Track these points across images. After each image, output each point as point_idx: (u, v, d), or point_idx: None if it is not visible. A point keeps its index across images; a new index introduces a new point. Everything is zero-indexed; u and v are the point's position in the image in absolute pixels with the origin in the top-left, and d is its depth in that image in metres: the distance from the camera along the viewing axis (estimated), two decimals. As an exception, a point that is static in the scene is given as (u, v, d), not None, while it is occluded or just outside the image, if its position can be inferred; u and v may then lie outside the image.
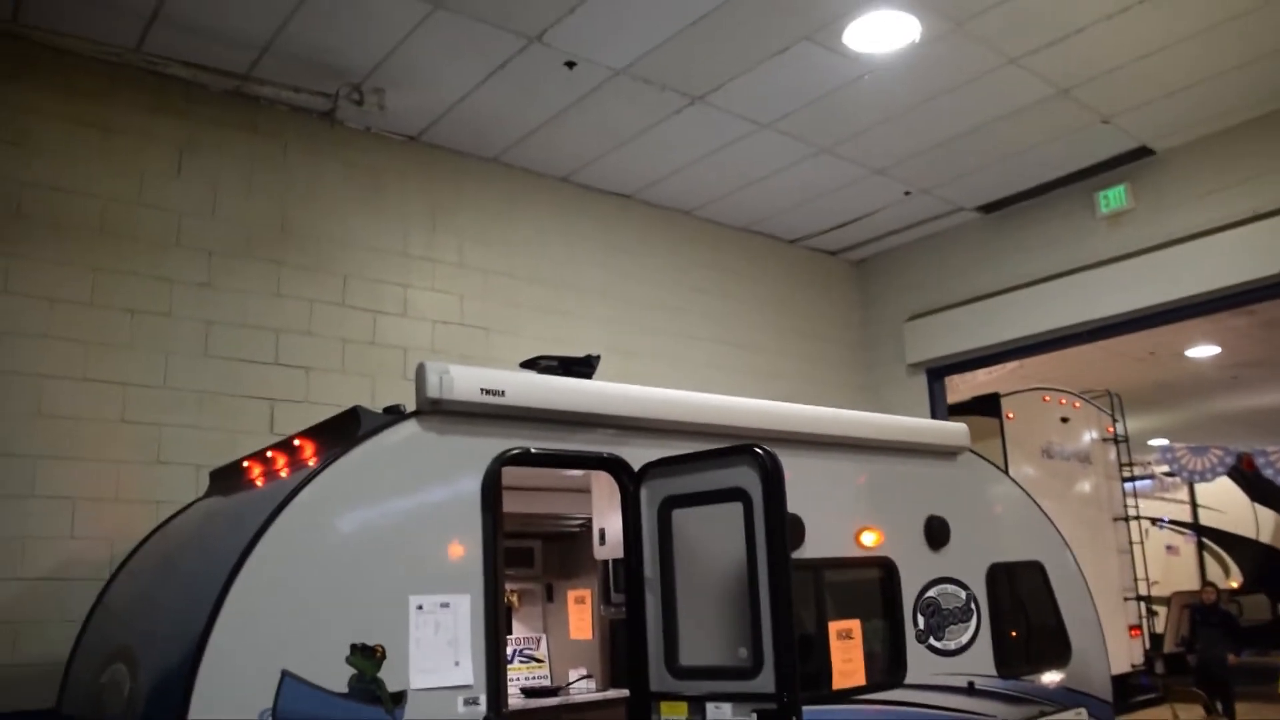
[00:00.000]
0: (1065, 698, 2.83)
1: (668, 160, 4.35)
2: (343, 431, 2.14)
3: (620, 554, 2.38)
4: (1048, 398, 5.29)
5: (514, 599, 3.69)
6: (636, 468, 2.37)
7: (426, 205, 4.11)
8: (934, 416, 5.04)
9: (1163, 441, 7.30)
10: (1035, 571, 2.99)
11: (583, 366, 2.52)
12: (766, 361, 5.17)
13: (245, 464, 2.35)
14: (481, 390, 2.13)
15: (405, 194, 4.07)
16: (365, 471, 1.98)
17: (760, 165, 4.41)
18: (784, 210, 4.95)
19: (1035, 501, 3.17)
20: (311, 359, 3.64)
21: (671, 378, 4.70)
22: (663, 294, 4.86)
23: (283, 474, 2.07)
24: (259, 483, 2.14)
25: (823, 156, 4.36)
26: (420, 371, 2.10)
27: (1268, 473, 5.90)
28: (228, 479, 2.40)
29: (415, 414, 2.11)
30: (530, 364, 2.51)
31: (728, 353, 5.02)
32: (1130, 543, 5.25)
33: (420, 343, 3.92)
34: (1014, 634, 2.79)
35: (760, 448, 2.09)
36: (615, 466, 2.38)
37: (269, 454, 2.28)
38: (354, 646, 1.70)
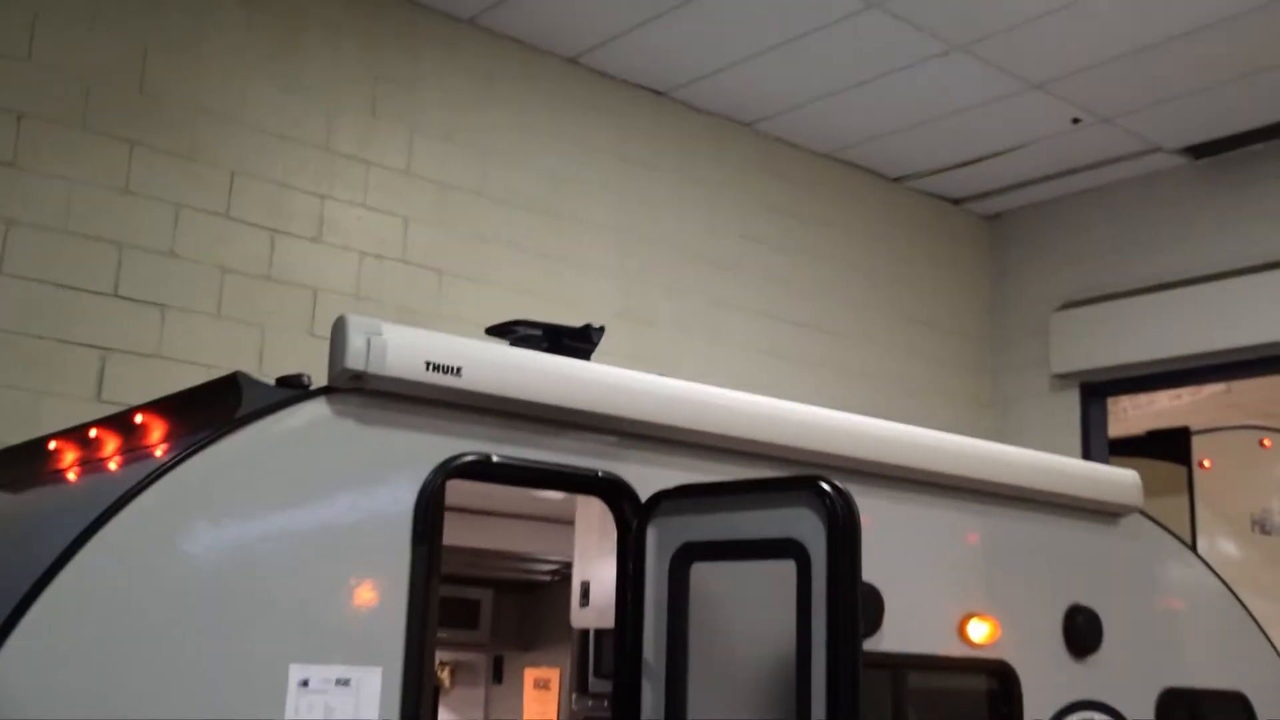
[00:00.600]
0: None
1: (723, 45, 4.20)
2: (212, 408, 2.13)
3: (610, 621, 2.32)
4: (1269, 442, 4.85)
5: (445, 676, 3.63)
6: (644, 495, 2.32)
7: (364, 77, 4.12)
8: (1087, 454, 4.91)
9: None
10: (1235, 707, 2.93)
11: (578, 341, 2.50)
12: (845, 352, 5.19)
13: (53, 445, 2.27)
14: (427, 365, 2.09)
15: (335, 57, 4.07)
16: (242, 471, 1.92)
17: (859, 63, 4.23)
18: (888, 133, 4.78)
19: (1239, 599, 3.08)
20: (171, 294, 3.59)
21: (704, 365, 4.72)
22: (701, 240, 4.89)
23: (112, 465, 2.00)
24: (72, 476, 2.06)
25: (954, 56, 4.15)
26: (338, 329, 2.06)
27: None
28: (20, 466, 2.33)
29: (325, 390, 2.06)
30: (501, 331, 2.50)
31: (788, 334, 5.04)
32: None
33: (339, 284, 3.96)
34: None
35: (827, 481, 2.01)
36: (613, 492, 2.34)
37: (93, 433, 2.20)
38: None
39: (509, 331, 2.50)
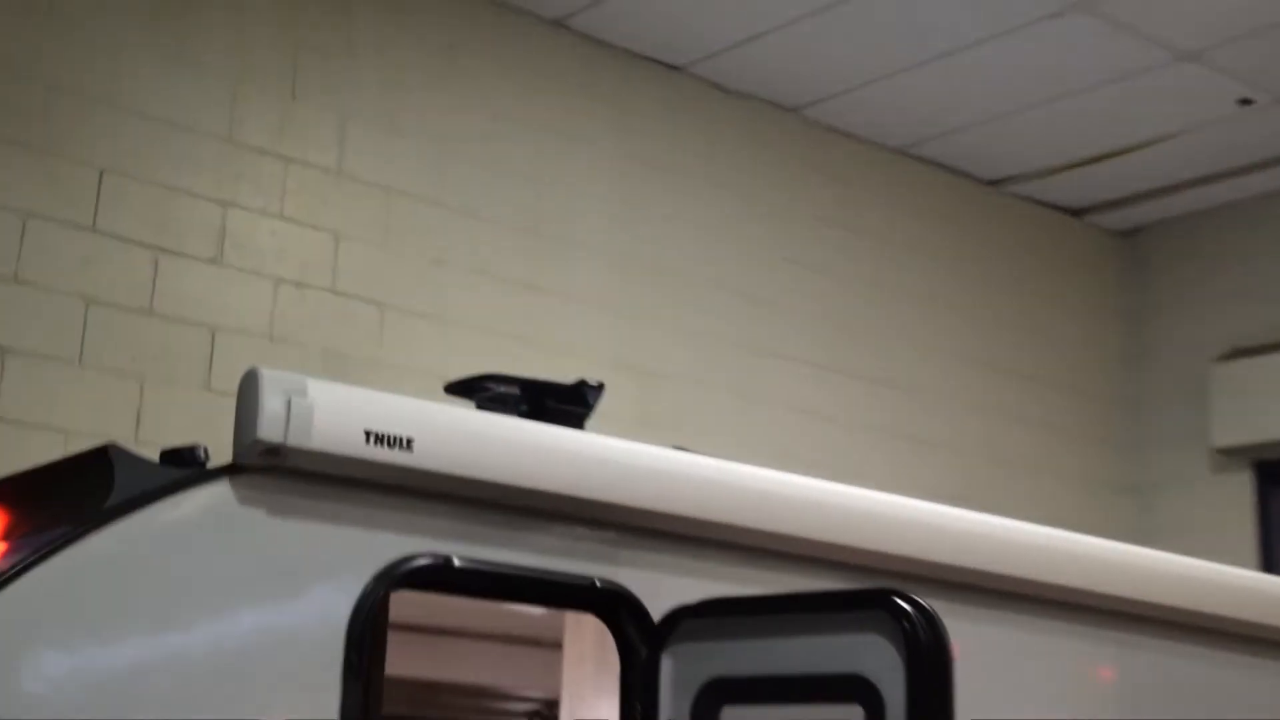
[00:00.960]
0: None
1: (756, 6, 4.13)
2: (72, 494, 2.15)
3: (610, 789, 2.36)
4: None
5: None
6: (657, 613, 2.36)
7: (281, 45, 4.19)
8: (1267, 561, 4.70)
9: None
10: None
11: (568, 403, 2.56)
12: (922, 416, 5.21)
13: None
14: (367, 436, 2.14)
15: (241, 21, 4.13)
16: (111, 582, 1.97)
17: (939, 29, 4.12)
18: (982, 121, 4.69)
19: None
20: (15, 333, 3.65)
21: (733, 433, 4.79)
22: (729, 264, 4.94)
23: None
24: None
25: (1072, 18, 4.03)
26: (248, 386, 2.11)
27: None
28: None
29: (228, 470, 2.10)
30: (466, 389, 2.57)
31: (844, 391, 5.08)
32: None
33: (247, 322, 4.01)
34: None
35: (904, 597, 2.06)
36: (614, 607, 2.38)
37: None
38: None
39: (476, 390, 2.56)
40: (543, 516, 2.34)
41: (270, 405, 2.07)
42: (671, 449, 2.61)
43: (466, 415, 2.35)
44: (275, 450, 2.07)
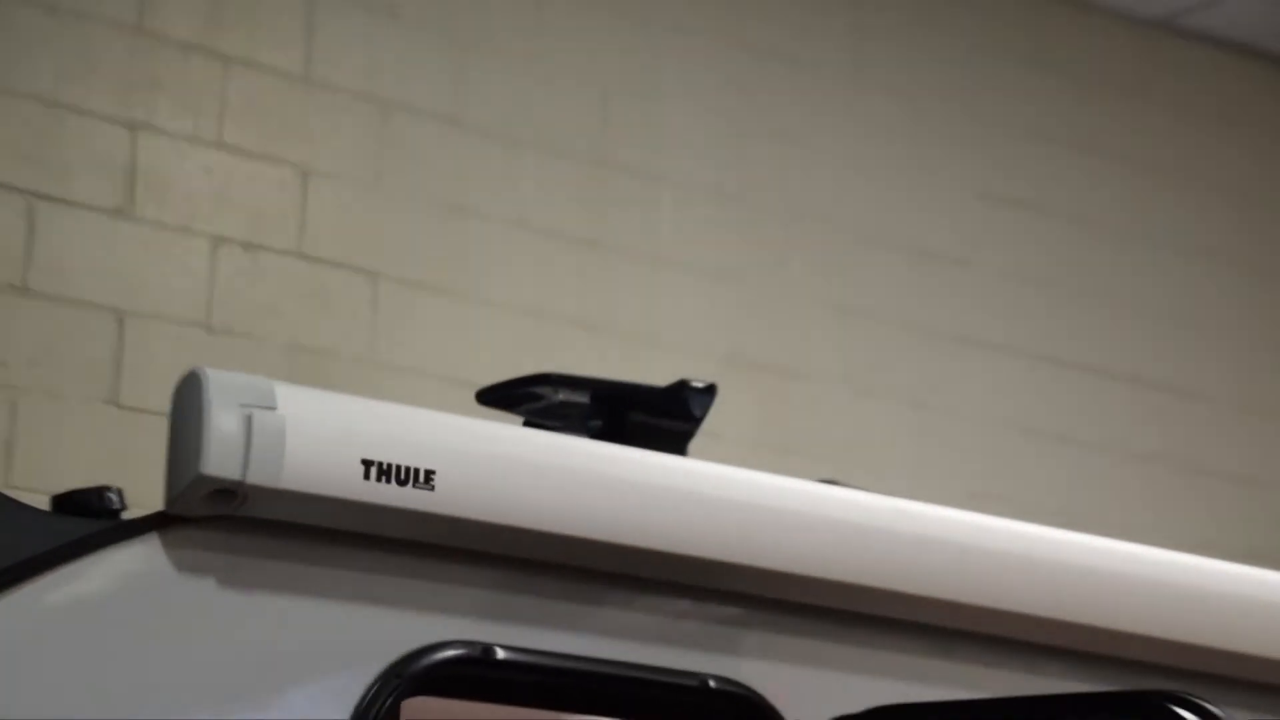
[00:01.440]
0: None
1: None
2: None
3: None
4: None
5: None
6: None
7: None
8: None
9: None
10: None
11: (664, 414, 2.62)
12: (1202, 432, 5.30)
13: None
14: (367, 468, 2.17)
15: None
16: None
17: None
18: None
19: None
20: None
21: (901, 459, 4.89)
22: (893, 204, 5.03)
23: None
24: None
25: None
26: (187, 396, 2.14)
27: None
28: None
29: (158, 522, 2.13)
30: (507, 397, 2.63)
31: (1082, 395, 5.18)
32: None
33: (173, 302, 4.05)
34: None
35: (1188, 703, 2.16)
36: (736, 715, 2.45)
37: None
38: None
39: (523, 398, 2.61)
40: (628, 586, 2.37)
41: (220, 425, 2.08)
42: (817, 483, 2.64)
43: (511, 437, 2.38)
44: (229, 493, 2.08)
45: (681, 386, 2.62)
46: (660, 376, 2.70)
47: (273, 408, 2.10)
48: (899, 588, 2.53)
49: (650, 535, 2.35)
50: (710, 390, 2.64)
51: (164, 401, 2.19)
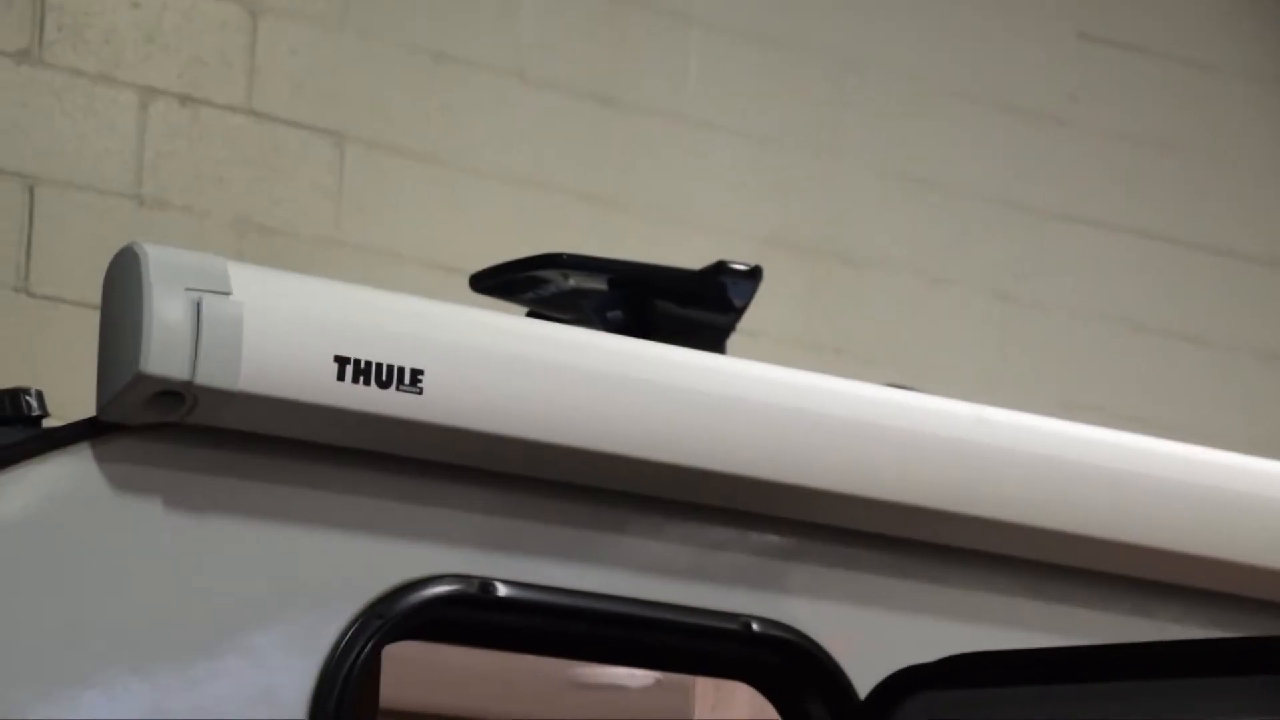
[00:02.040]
0: None
1: None
2: None
3: None
4: None
5: None
6: (862, 680, 2.46)
7: None
8: None
9: None
10: None
11: (697, 304, 2.65)
12: None
13: None
14: (341, 366, 2.20)
15: None
16: None
17: None
18: None
19: None
20: None
21: (978, 361, 4.99)
22: (967, 43, 5.11)
23: None
24: None
25: None
26: (122, 277, 2.15)
27: None
28: None
29: (90, 430, 2.16)
30: (508, 283, 2.67)
31: (1204, 272, 5.24)
32: None
33: (96, 169, 4.08)
34: None
35: None
36: (785, 667, 2.49)
37: None
38: None
39: (527, 284, 2.65)
40: (656, 512, 2.40)
41: (164, 313, 2.09)
42: (884, 387, 2.67)
43: (513, 330, 2.40)
44: (175, 395, 2.10)
45: (719, 269, 2.65)
46: (689, 261, 2.72)
47: (227, 293, 2.11)
48: (980, 512, 2.56)
49: (682, 449, 2.37)
50: (754, 274, 2.67)
51: (84, 289, 2.22)
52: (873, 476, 2.48)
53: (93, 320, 2.18)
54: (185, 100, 4.14)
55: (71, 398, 2.16)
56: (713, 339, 2.58)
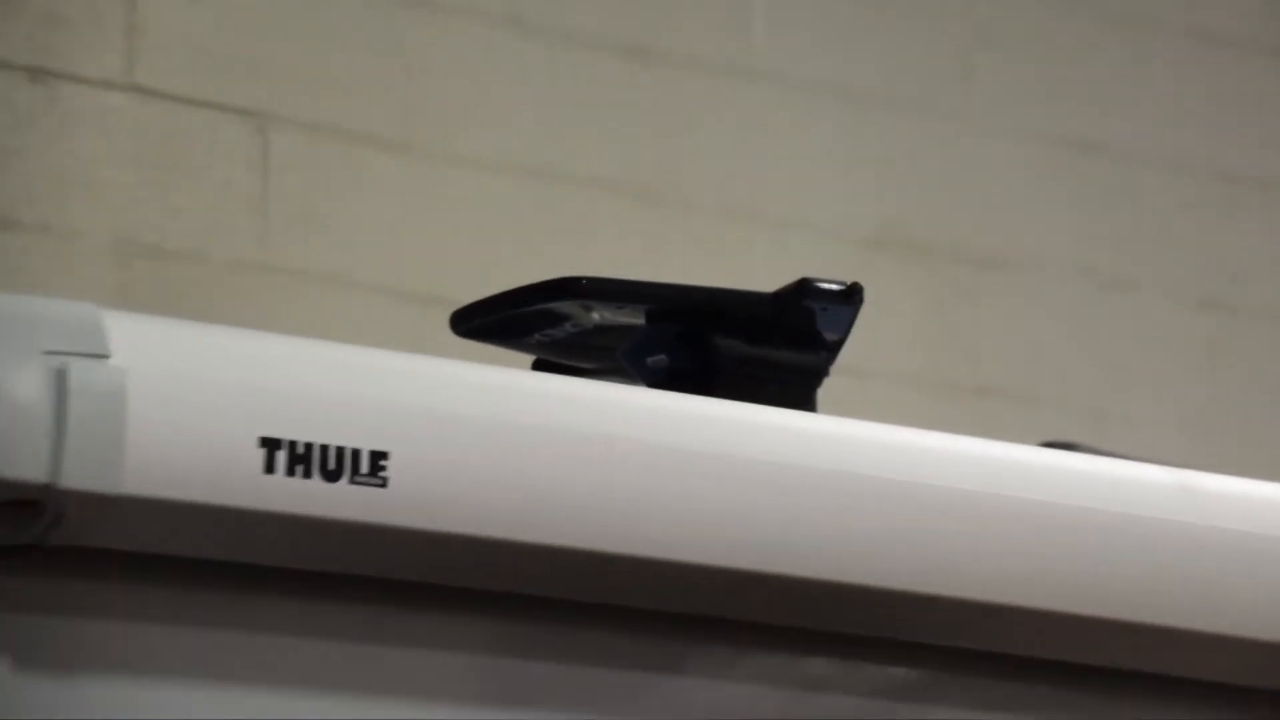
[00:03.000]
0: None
1: None
2: None
3: None
4: None
5: None
6: None
7: None
8: None
9: None
10: None
11: (775, 340, 2.70)
12: None
13: None
14: (266, 450, 2.20)
15: None
16: None
17: None
18: None
19: None
20: None
21: (1195, 398, 5.06)
22: None
23: None
24: None
25: None
26: None
27: None
28: None
29: None
30: (503, 321, 2.73)
31: None
32: None
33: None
34: None
35: None
36: None
37: None
38: None
39: (533, 320, 2.69)
40: (729, 641, 2.44)
41: (11, 387, 2.10)
42: (1044, 449, 2.74)
43: (517, 389, 2.43)
44: (31, 505, 2.10)
45: (803, 291, 2.67)
46: (760, 279, 2.74)
47: (103, 355, 2.12)
48: (1189, 624, 2.61)
49: (766, 554, 2.41)
50: (852, 295, 2.70)
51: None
52: (1038, 583, 2.51)
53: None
54: (35, 74, 4.15)
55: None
56: (798, 389, 2.64)
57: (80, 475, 2.06)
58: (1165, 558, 2.61)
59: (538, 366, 2.67)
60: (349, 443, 2.17)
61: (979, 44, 4.95)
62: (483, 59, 4.47)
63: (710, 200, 4.53)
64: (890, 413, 2.61)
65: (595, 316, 2.63)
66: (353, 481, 2.17)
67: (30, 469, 2.04)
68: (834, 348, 2.67)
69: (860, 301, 2.68)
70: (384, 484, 2.18)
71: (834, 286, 2.66)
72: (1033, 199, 4.94)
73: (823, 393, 2.67)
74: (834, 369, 2.68)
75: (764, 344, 2.64)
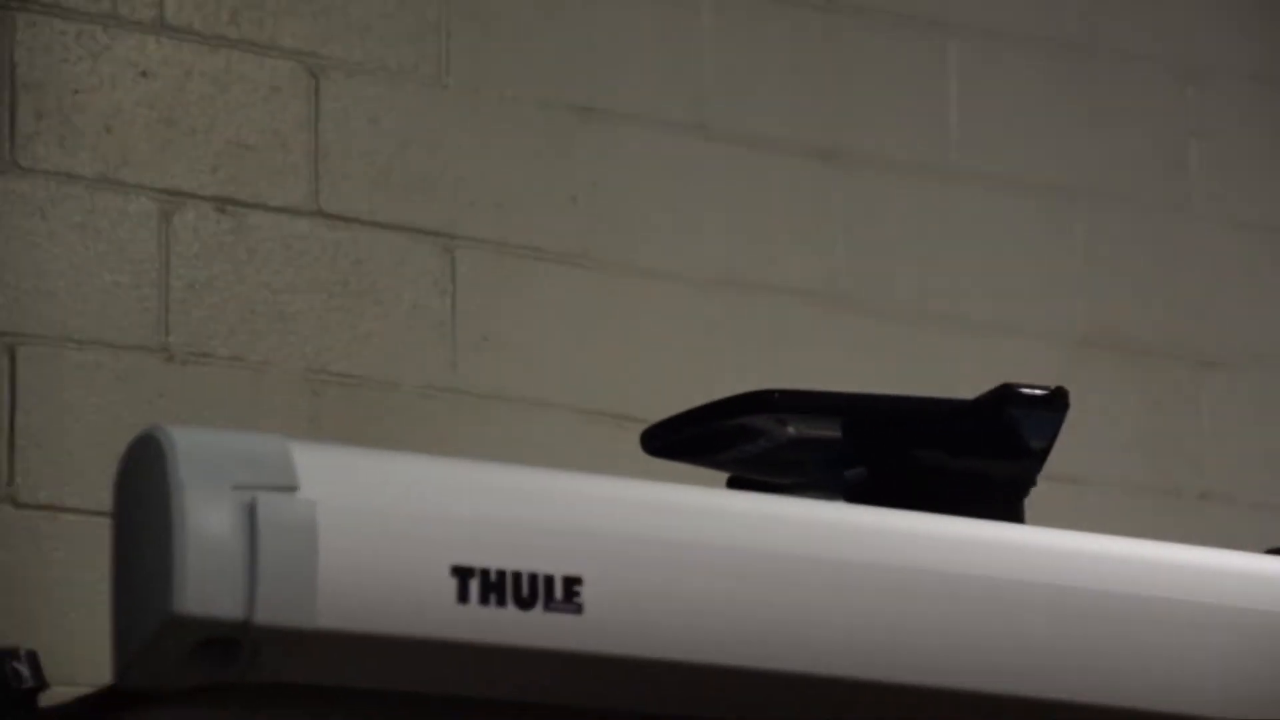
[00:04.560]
0: None
1: None
2: None
3: None
4: None
5: None
6: None
7: None
8: None
9: None
10: None
11: (977, 448, 2.73)
12: None
13: None
14: (459, 579, 2.23)
15: None
16: None
17: None
18: None
19: None
20: None
21: None
22: None
23: None
24: None
25: None
26: (139, 468, 2.22)
27: None
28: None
29: (111, 702, 2.21)
30: (695, 438, 2.76)
31: None
32: None
33: (117, 317, 4.15)
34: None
35: None
36: None
37: None
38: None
39: (727, 436, 2.71)
40: None
41: (203, 525, 2.12)
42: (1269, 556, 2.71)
43: (712, 509, 2.44)
44: (229, 644, 2.13)
45: (1004, 397, 2.69)
46: (964, 385, 2.78)
47: (292, 487, 2.16)
48: None
49: (986, 675, 2.42)
50: (1056, 401, 2.71)
51: (91, 491, 2.23)
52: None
53: (104, 537, 2.22)
54: (223, 204, 4.22)
55: (78, 655, 2.19)
56: (1004, 500, 2.64)
57: (275, 611, 2.09)
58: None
59: (732, 484, 2.67)
60: (542, 568, 2.19)
61: (1194, 131, 4.94)
62: (667, 166, 4.54)
63: (907, 304, 4.56)
64: (1108, 523, 2.62)
65: (790, 430, 2.64)
66: (547, 609, 2.19)
67: (226, 608, 2.07)
68: (1040, 456, 2.68)
69: (1065, 407, 2.70)
70: (579, 610, 2.20)
71: (1036, 391, 2.68)
72: (1252, 292, 4.92)
73: (1034, 502, 2.68)
74: (1046, 477, 2.70)
75: (966, 454, 2.67)
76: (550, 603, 2.20)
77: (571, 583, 2.21)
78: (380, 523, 2.19)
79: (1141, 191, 4.83)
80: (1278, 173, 4.99)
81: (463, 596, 2.15)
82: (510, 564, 2.19)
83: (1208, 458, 4.81)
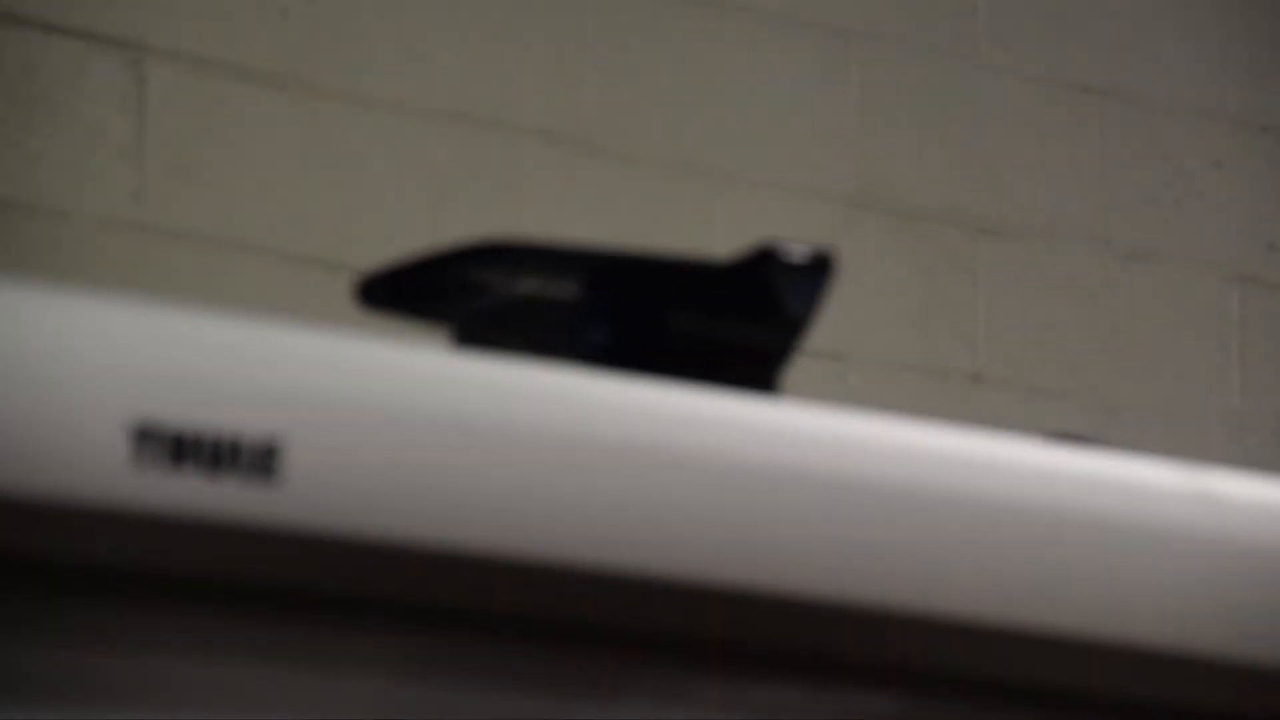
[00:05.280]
0: None
1: None
2: None
3: None
4: None
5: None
6: None
7: None
8: None
9: None
10: None
11: (732, 312, 2.75)
12: None
13: None
14: (135, 439, 2.21)
15: None
16: None
17: None
18: None
19: None
20: None
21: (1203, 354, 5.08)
22: None
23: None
24: None
25: None
26: None
27: None
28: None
29: None
30: (417, 288, 2.78)
31: None
32: None
33: None
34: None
35: None
36: None
37: None
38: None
39: (453, 288, 2.73)
40: (680, 666, 2.47)
41: None
42: (1052, 441, 2.78)
43: (431, 369, 2.46)
44: None
45: (764, 258, 2.71)
46: (722, 240, 2.75)
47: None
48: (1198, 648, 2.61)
49: (723, 566, 2.43)
50: (820, 265, 2.74)
51: None
52: (1036, 600, 2.52)
53: None
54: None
55: None
56: (758, 370, 2.66)
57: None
58: (1179, 573, 2.62)
59: (463, 343, 2.67)
60: (236, 428, 2.18)
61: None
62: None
63: (659, 151, 4.55)
64: (871, 401, 2.63)
65: (525, 284, 2.66)
66: (241, 476, 2.18)
67: None
68: (799, 323, 2.70)
69: (829, 270, 2.73)
70: (276, 477, 2.19)
71: (798, 252, 2.70)
72: (1040, 154, 4.96)
73: (791, 377, 2.69)
74: (805, 350, 2.72)
75: (718, 318, 2.69)
76: (243, 468, 2.18)
77: (271, 451, 2.19)
78: (49, 370, 2.16)
79: (925, 34, 4.87)
80: (1073, 21, 5.04)
81: (140, 457, 2.13)
82: (198, 423, 2.17)
83: (981, 336, 4.85)
